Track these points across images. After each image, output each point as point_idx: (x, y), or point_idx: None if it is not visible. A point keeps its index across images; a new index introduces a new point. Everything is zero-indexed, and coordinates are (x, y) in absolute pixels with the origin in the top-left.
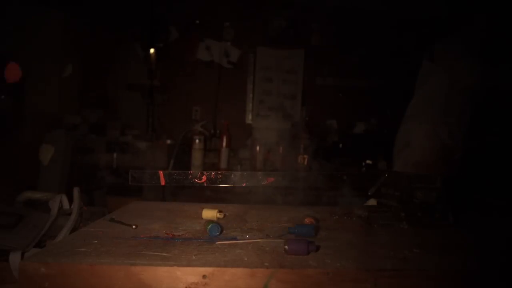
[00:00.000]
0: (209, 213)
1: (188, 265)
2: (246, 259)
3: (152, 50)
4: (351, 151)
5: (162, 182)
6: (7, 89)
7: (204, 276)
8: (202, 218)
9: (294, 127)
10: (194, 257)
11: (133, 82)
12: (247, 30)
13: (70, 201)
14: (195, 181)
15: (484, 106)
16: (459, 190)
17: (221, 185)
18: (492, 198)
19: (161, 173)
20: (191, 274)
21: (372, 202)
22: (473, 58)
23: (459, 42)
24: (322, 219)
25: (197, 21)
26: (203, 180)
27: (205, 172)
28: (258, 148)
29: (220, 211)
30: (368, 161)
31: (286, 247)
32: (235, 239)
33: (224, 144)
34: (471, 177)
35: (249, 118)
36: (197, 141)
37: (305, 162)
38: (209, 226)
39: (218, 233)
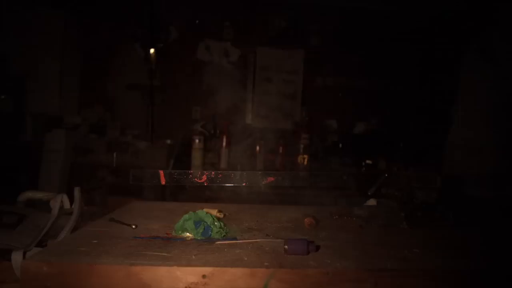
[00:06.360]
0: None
1: (188, 265)
2: (246, 259)
3: (152, 50)
4: (351, 151)
5: (163, 182)
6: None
7: (204, 276)
8: None
9: (294, 127)
10: (194, 257)
11: (133, 82)
12: (247, 30)
13: (71, 201)
14: (195, 180)
15: None
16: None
17: (221, 185)
18: None
19: (161, 172)
20: (191, 274)
21: (372, 202)
22: None
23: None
24: (322, 219)
25: (197, 21)
26: (203, 180)
27: (205, 172)
28: (258, 148)
29: (220, 211)
30: (368, 161)
31: (286, 247)
32: (234, 239)
33: (224, 144)
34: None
35: (249, 118)
36: (197, 141)
37: (305, 162)
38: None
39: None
